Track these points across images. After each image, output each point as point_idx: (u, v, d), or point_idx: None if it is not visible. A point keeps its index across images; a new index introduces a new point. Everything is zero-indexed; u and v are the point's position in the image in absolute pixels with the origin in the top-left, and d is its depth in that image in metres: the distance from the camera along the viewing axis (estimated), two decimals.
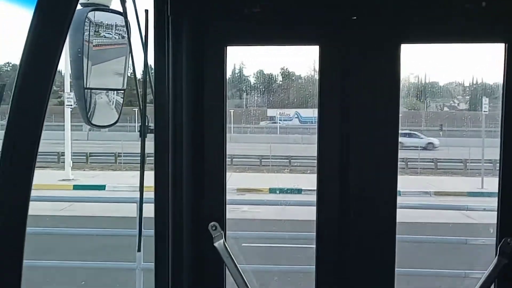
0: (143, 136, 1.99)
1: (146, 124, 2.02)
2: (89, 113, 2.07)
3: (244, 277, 1.73)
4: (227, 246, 1.76)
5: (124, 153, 28.30)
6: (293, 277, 6.66)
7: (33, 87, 1.73)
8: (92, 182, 17.26)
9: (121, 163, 26.92)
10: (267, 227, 9.30)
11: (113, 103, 2.24)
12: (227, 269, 1.84)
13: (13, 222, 1.76)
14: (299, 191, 15.63)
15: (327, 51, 1.82)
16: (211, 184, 1.93)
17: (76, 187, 15.54)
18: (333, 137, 1.84)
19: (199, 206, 1.92)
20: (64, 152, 19.56)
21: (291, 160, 27.32)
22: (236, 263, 1.73)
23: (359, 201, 1.85)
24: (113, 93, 2.24)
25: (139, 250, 1.98)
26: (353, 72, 1.81)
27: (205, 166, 1.93)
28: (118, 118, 2.31)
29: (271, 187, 15.84)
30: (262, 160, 25.52)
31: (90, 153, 26.68)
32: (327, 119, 1.85)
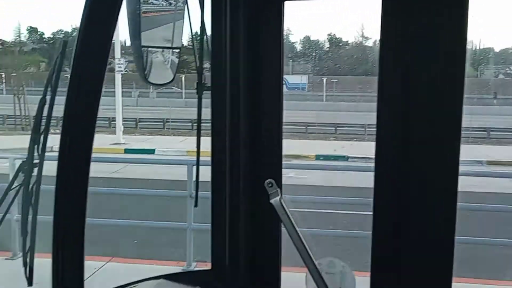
0: (199, 94, 2.00)
1: (202, 81, 2.04)
2: (146, 72, 2.11)
3: (300, 234, 1.73)
4: (283, 203, 1.75)
5: (171, 119, 28.93)
6: (341, 242, 6.67)
7: (92, 51, 1.78)
8: (142, 146, 17.69)
9: (169, 128, 27.53)
10: (314, 193, 9.30)
11: (168, 62, 2.27)
12: (283, 226, 1.85)
13: (77, 183, 1.85)
14: (345, 158, 15.53)
15: (390, 3, 1.74)
16: (268, 142, 1.92)
17: (127, 151, 16.00)
18: (394, 101, 1.76)
19: (256, 164, 1.92)
20: (115, 117, 20.10)
21: (337, 128, 27.15)
22: (292, 220, 1.73)
23: (419, 168, 1.79)
24: (169, 53, 2.26)
25: (196, 205, 2.03)
26: (417, 26, 1.72)
27: (262, 123, 1.92)
28: (174, 78, 2.33)
29: (317, 153, 15.78)
30: (308, 127, 25.46)
31: (139, 118, 27.35)
32: (387, 81, 1.76)
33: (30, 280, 1.75)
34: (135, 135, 22.84)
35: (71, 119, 1.81)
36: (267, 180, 1.78)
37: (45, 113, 1.71)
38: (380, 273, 1.82)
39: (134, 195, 7.39)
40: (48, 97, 1.70)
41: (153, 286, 2.08)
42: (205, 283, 2.04)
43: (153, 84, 2.19)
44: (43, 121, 1.71)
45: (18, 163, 6.66)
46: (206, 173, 2.12)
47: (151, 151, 16.80)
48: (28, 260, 1.73)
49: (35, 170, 1.70)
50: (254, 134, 1.91)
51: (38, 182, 1.68)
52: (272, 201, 1.75)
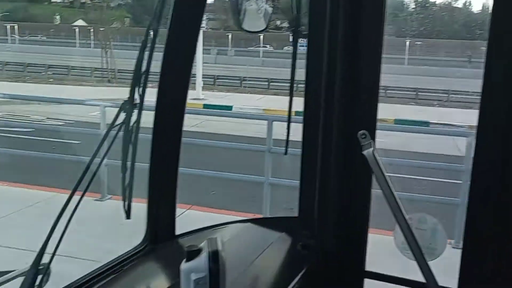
0: (295, 41, 1.98)
1: (298, 28, 2.01)
2: (241, 19, 2.13)
3: (392, 187, 1.69)
4: (376, 155, 1.71)
5: (249, 77, 29.13)
6: (418, 206, 6.52)
7: (187, 11, 1.83)
8: (220, 102, 18.01)
9: (246, 86, 27.79)
10: (391, 156, 9.08)
11: (261, 11, 2.27)
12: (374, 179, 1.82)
13: (171, 133, 1.95)
14: (426, 123, 14.95)
15: None
16: (364, 92, 1.87)
17: (205, 106, 16.36)
18: (502, 69, 1.64)
19: (350, 114, 1.89)
20: (195, 74, 20.51)
21: (418, 93, 26.15)
22: (385, 173, 1.69)
23: None
24: (262, 2, 2.26)
25: (285, 153, 2.04)
26: None
27: (360, 73, 1.87)
28: (266, 27, 2.33)
29: (396, 118, 15.29)
30: (387, 91, 24.71)
31: (217, 75, 27.77)
32: (497, 49, 1.63)
33: (128, 214, 1.85)
34: (213, 91, 23.28)
35: (168, 71, 1.89)
36: (361, 131, 1.73)
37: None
38: (473, 242, 1.76)
39: (214, 147, 7.55)
40: (149, 39, 1.75)
41: (241, 228, 2.15)
42: (291, 229, 2.08)
43: (246, 31, 2.20)
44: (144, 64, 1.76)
45: (108, 110, 6.99)
46: (281, 131, 2.11)
47: (229, 108, 17.06)
48: (127, 195, 1.82)
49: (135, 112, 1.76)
50: (350, 84, 1.87)
51: (138, 121, 1.75)
52: (364, 152, 1.71)
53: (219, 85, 27.18)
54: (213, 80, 27.15)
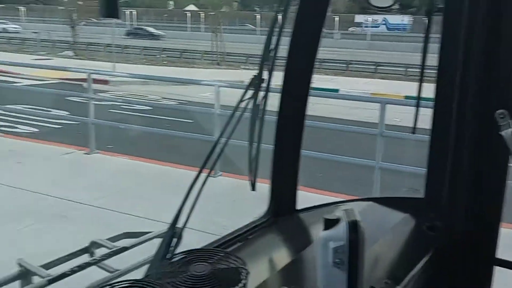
0: (429, 22, 1.90)
1: (433, 8, 1.93)
2: None
3: None
4: None
5: (355, 60, 28.51)
6: None
7: None
8: (326, 86, 17.83)
9: (352, 70, 27.28)
10: None
11: None
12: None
13: (295, 115, 1.98)
14: None
15: None
16: (503, 71, 1.75)
17: (313, 89, 16.33)
18: None
19: (486, 95, 1.79)
20: None
21: None
22: None
23: None
24: None
25: (413, 132, 1.97)
26: None
27: (500, 52, 1.75)
28: (394, 3, 2.26)
29: None
30: None
31: (323, 59, 27.51)
32: None
33: (253, 185, 1.91)
34: (319, 74, 23.11)
35: (295, 55, 1.91)
36: (499, 111, 1.63)
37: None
38: None
39: (322, 128, 7.46)
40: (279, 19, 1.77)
41: (363, 206, 2.13)
42: (416, 210, 2.02)
43: (373, 6, 2.16)
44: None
45: (222, 90, 7.19)
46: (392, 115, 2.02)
47: (335, 91, 16.90)
48: (253, 167, 1.88)
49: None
50: (488, 63, 1.76)
51: (266, 97, 1.78)
52: (502, 132, 1.61)
53: (325, 68, 26.97)
54: (319, 63, 26.98)
